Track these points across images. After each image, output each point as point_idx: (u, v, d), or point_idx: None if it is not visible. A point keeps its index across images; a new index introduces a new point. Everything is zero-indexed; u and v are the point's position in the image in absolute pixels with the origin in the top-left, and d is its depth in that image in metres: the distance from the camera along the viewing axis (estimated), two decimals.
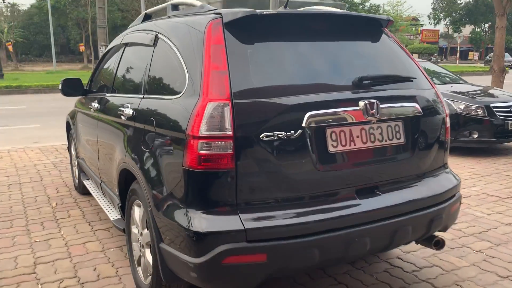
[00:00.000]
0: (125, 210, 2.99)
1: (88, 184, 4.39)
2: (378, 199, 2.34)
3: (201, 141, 2.06)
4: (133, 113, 2.74)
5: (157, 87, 2.66)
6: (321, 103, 2.22)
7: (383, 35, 2.71)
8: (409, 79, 2.57)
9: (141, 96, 2.77)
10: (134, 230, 2.86)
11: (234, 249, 2.02)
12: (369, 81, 2.37)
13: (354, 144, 2.29)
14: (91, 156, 3.98)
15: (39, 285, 2.99)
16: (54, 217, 4.27)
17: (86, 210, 4.45)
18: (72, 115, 4.86)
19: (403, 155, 2.46)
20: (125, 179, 2.95)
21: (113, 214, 3.44)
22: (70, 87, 4.23)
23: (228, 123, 2.06)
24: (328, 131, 2.22)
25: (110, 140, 3.25)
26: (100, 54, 21.90)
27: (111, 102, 3.37)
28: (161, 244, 2.32)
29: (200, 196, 2.11)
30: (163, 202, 2.28)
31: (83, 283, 3.02)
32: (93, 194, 4.07)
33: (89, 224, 4.07)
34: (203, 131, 2.06)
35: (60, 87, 4.19)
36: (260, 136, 2.08)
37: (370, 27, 2.69)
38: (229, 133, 2.06)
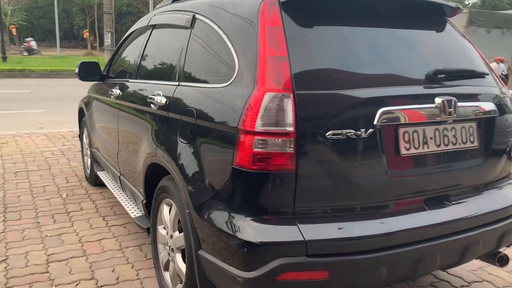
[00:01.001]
0: (150, 208, 2.72)
1: (103, 176, 4.11)
2: (449, 210, 2.06)
3: (256, 137, 1.78)
4: (166, 101, 2.46)
5: (196, 73, 2.37)
6: (394, 98, 1.93)
7: (449, 25, 2.42)
8: (481, 75, 2.29)
9: (176, 83, 2.48)
10: (162, 231, 2.58)
11: (292, 264, 1.74)
12: (443, 75, 2.09)
13: (427, 147, 2.01)
14: (108, 146, 3.70)
15: (53, 287, 2.71)
16: (65, 209, 4.00)
17: (99, 203, 4.18)
18: (87, 102, 4.57)
19: (475, 161, 2.18)
20: (152, 174, 2.67)
21: (133, 210, 3.16)
22: (87, 72, 3.93)
23: (288, 118, 1.77)
24: (401, 131, 1.94)
25: (135, 130, 2.96)
26: (106, 41, 21.54)
27: (136, 89, 3.08)
28: (200, 252, 2.04)
29: (252, 200, 1.82)
30: (206, 205, 1.99)
31: (101, 286, 2.75)
32: (109, 187, 3.79)
33: (103, 219, 3.80)
34: (259, 126, 1.78)
35: (76, 71, 3.89)
36: (326, 134, 1.79)
37: (436, 15, 2.39)
38: (290, 129, 1.77)
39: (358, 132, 1.83)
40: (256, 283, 1.77)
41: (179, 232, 2.35)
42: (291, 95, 1.78)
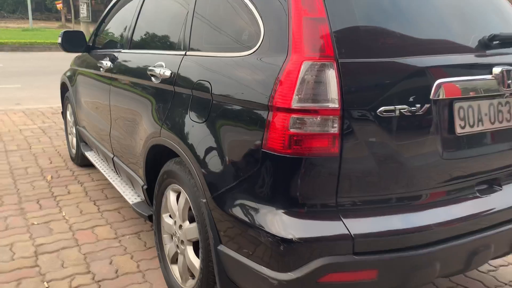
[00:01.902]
0: (152, 193, 2.43)
1: (91, 156, 3.77)
2: (501, 195, 1.83)
3: (292, 115, 1.49)
4: (171, 74, 2.14)
5: (207, 40, 2.04)
6: (450, 68, 1.66)
7: None
8: None
9: (182, 52, 2.16)
10: (168, 220, 2.30)
11: (337, 264, 1.49)
12: (499, 42, 1.82)
13: (482, 125, 1.75)
14: (98, 125, 3.36)
15: (45, 283, 2.42)
16: (51, 193, 3.66)
17: (88, 186, 3.85)
18: (70, 76, 4.17)
19: None
20: (154, 156, 2.38)
21: (131, 196, 2.86)
22: (71, 42, 3.55)
23: (332, 92, 1.49)
24: (456, 106, 1.68)
25: (131, 107, 2.63)
26: (81, 12, 20.63)
27: (132, 61, 2.74)
28: (220, 247, 1.77)
29: (287, 190, 1.55)
30: (228, 194, 1.71)
31: (99, 281, 2.46)
32: (101, 170, 3.46)
33: (94, 204, 3.49)
34: (295, 102, 1.49)
35: (59, 41, 3.50)
36: (378, 111, 1.52)
37: None
38: (334, 105, 1.49)
39: (413, 108, 1.56)
40: (294, 285, 1.51)
41: (190, 222, 2.08)
42: (334, 64, 1.49)
